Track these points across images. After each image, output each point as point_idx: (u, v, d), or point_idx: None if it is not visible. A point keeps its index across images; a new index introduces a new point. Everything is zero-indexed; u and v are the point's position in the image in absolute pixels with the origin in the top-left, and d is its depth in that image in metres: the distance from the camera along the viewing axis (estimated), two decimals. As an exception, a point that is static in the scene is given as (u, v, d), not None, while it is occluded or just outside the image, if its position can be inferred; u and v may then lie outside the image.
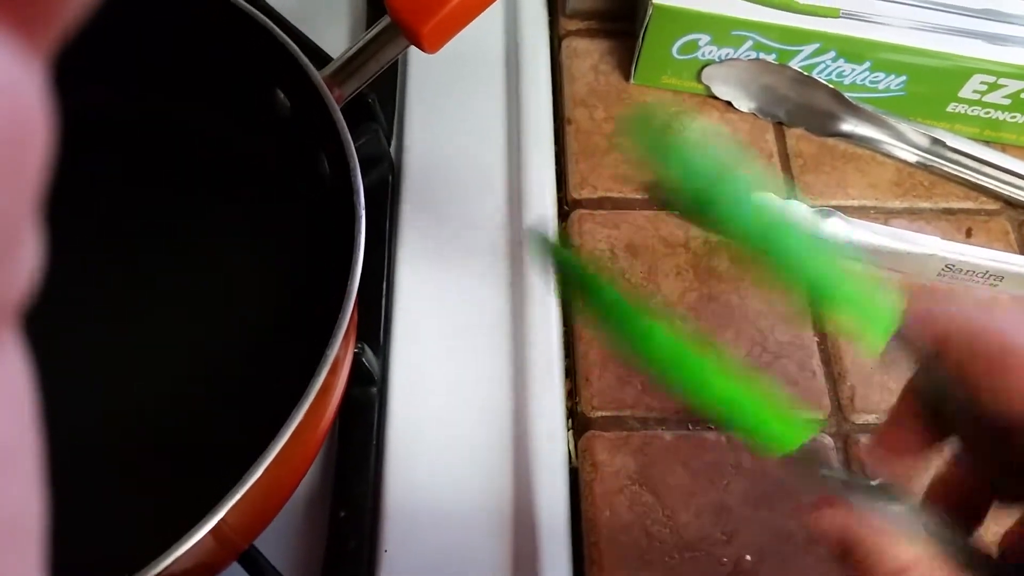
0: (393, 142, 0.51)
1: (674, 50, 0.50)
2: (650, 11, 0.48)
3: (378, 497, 0.40)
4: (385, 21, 0.39)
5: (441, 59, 0.41)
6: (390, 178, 0.49)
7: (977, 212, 0.50)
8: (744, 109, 0.52)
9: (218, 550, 0.33)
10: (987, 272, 0.45)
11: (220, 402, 0.40)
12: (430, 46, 0.39)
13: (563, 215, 0.49)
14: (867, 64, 0.49)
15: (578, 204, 0.49)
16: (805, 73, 0.49)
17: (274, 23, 0.40)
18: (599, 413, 0.43)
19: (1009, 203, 0.50)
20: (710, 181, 0.24)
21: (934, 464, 0.27)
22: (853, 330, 0.24)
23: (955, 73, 0.48)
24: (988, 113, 0.50)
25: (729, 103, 0.52)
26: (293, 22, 0.48)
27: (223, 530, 0.29)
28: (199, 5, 0.41)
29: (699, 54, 0.50)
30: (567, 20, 0.56)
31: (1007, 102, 0.49)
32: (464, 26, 0.39)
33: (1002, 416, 0.24)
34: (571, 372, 0.44)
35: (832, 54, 0.48)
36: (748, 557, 0.39)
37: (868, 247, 0.46)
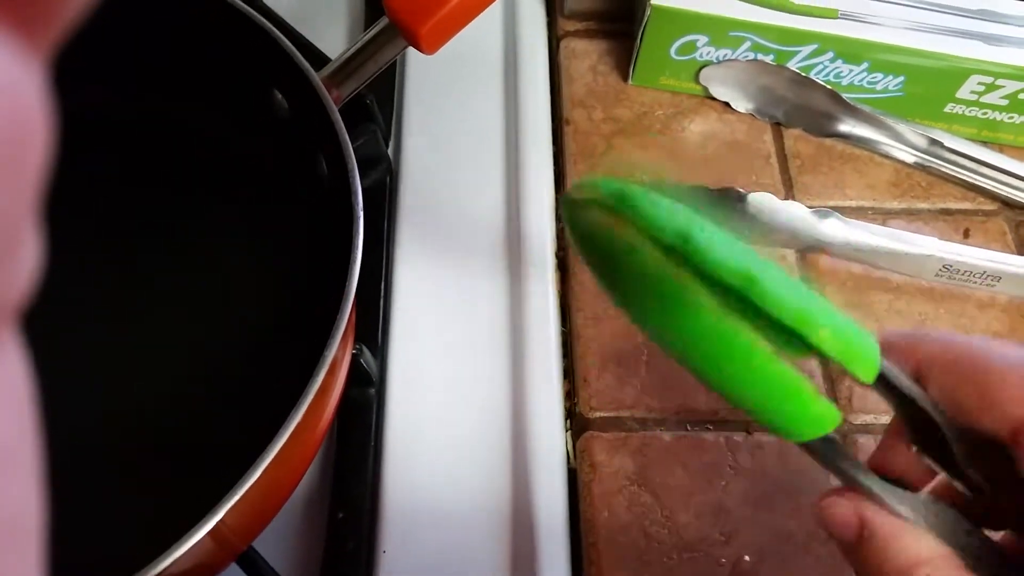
0: (391, 143, 0.51)
1: (672, 51, 0.50)
2: (648, 12, 0.48)
3: (376, 498, 0.40)
4: (383, 22, 0.39)
5: (439, 60, 0.41)
6: (388, 179, 0.49)
7: (975, 212, 0.50)
8: (742, 110, 0.52)
9: (217, 551, 0.33)
10: (984, 272, 0.45)
11: (219, 402, 0.40)
12: (428, 47, 0.39)
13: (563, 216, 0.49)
14: (865, 65, 0.49)
15: (576, 205, 0.49)
16: (803, 74, 0.49)
17: (272, 24, 0.40)
18: (597, 414, 0.43)
19: (1007, 203, 0.50)
20: (685, 236, 0.22)
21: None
22: (840, 363, 0.23)
23: (952, 74, 0.48)
24: (986, 114, 0.50)
25: (727, 104, 0.52)
26: (291, 23, 0.48)
27: (222, 531, 0.29)
28: (197, 6, 0.41)
29: (697, 55, 0.50)
30: (565, 21, 0.56)
31: (1004, 103, 0.49)
32: (462, 27, 0.39)
33: (990, 434, 0.24)
34: (569, 373, 0.44)
35: (830, 55, 0.49)
36: (747, 557, 0.39)
37: (866, 248, 0.46)
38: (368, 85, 0.41)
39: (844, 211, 0.47)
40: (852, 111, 0.50)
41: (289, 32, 0.46)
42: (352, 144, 0.37)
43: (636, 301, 0.23)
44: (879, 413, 0.43)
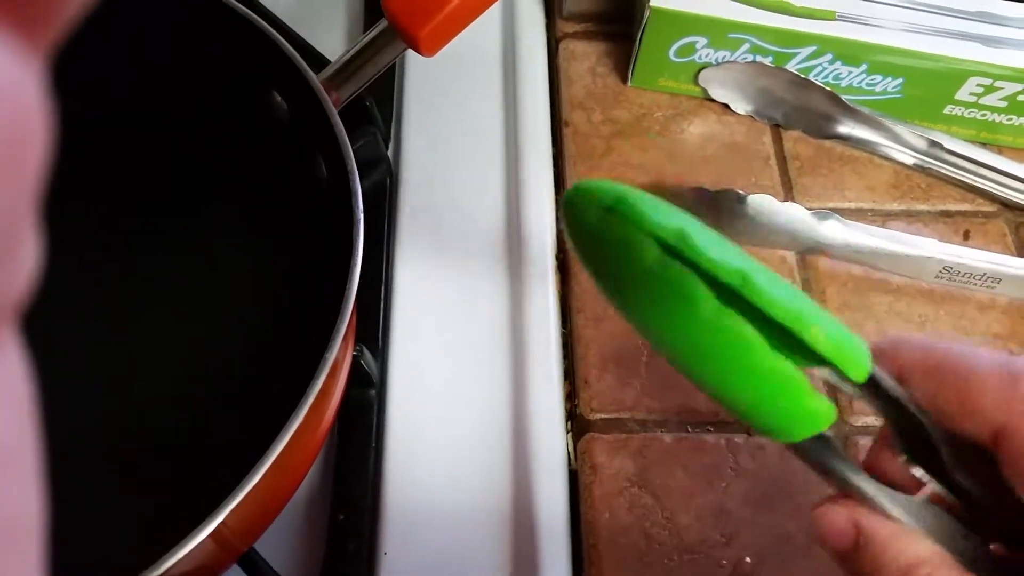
0: (391, 145, 0.51)
1: (671, 53, 0.50)
2: (647, 14, 0.48)
3: (377, 499, 0.40)
4: (382, 24, 0.39)
5: (439, 62, 0.41)
6: (388, 181, 0.49)
7: (974, 214, 0.50)
8: (741, 111, 0.52)
9: (218, 553, 0.33)
10: (984, 274, 0.45)
11: (220, 402, 0.40)
12: (427, 49, 0.39)
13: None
14: (864, 67, 0.49)
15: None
16: (802, 76, 0.49)
17: (271, 26, 0.40)
18: (598, 415, 0.43)
19: (1006, 205, 0.50)
20: (680, 238, 0.23)
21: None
22: (832, 362, 0.23)
23: (951, 75, 0.48)
24: (985, 115, 0.50)
25: (726, 105, 0.52)
26: (290, 25, 0.48)
27: (223, 533, 0.29)
28: (197, 6, 0.41)
29: (696, 57, 0.50)
30: (564, 22, 0.56)
31: (1003, 104, 0.49)
32: (461, 29, 0.39)
33: (973, 439, 0.24)
34: (570, 374, 0.44)
35: (829, 57, 0.49)
36: (747, 559, 0.39)
37: (866, 249, 0.46)
38: (367, 87, 0.41)
39: (844, 213, 0.47)
40: (851, 113, 0.50)
41: (288, 34, 0.46)
42: (352, 146, 0.37)
43: (634, 298, 0.24)
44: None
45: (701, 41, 0.49)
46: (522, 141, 0.51)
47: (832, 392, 0.43)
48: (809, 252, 0.47)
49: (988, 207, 0.50)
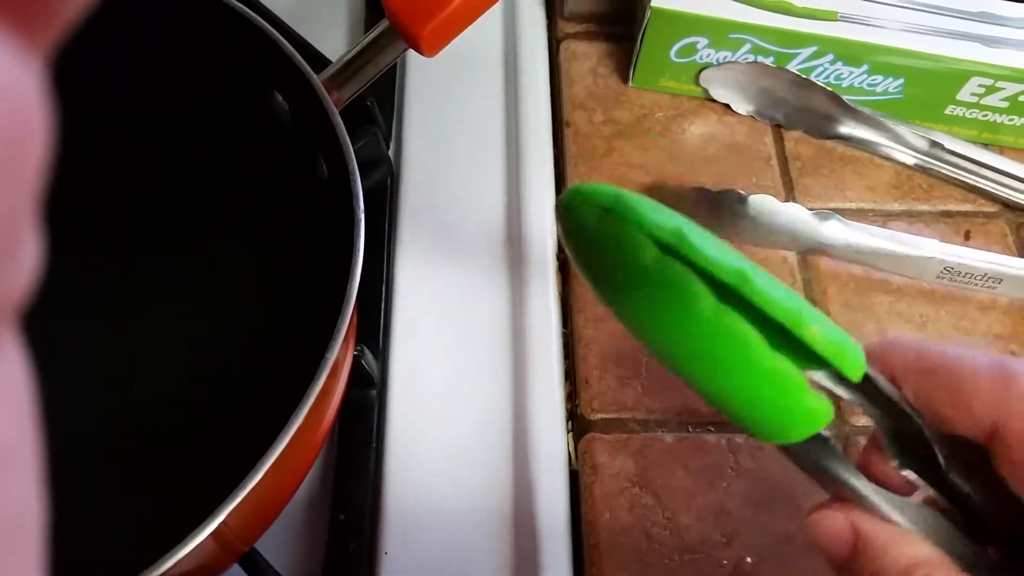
0: (392, 145, 0.51)
1: (672, 53, 0.50)
2: (648, 14, 0.48)
3: (378, 499, 0.40)
4: (383, 24, 0.39)
5: (440, 62, 0.41)
6: (389, 181, 0.49)
7: (975, 215, 0.50)
8: (742, 112, 0.52)
9: (219, 553, 0.33)
10: (985, 275, 0.45)
11: (219, 402, 0.40)
12: (429, 49, 0.38)
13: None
14: (865, 67, 0.49)
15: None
16: (803, 76, 0.49)
17: (272, 26, 0.40)
18: (599, 415, 0.43)
19: (1007, 205, 0.50)
20: (676, 239, 0.23)
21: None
22: (828, 360, 0.23)
23: (952, 76, 0.48)
24: (986, 116, 0.50)
25: (728, 106, 0.52)
26: (291, 24, 0.48)
27: (224, 533, 0.29)
28: (197, 6, 0.41)
29: (697, 57, 0.50)
30: (565, 23, 0.56)
31: (1005, 105, 0.49)
32: (463, 29, 0.39)
33: (965, 438, 0.24)
34: (571, 374, 0.44)
35: (830, 57, 0.49)
36: (748, 559, 0.39)
37: (867, 250, 0.46)
38: (369, 87, 0.41)
39: (845, 213, 0.47)
40: (852, 113, 0.50)
41: (289, 34, 0.46)
42: (353, 146, 0.37)
43: (631, 299, 0.23)
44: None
45: (702, 41, 0.49)
46: (523, 141, 0.51)
47: (831, 393, 0.43)
48: (810, 252, 0.47)
49: (989, 207, 0.50)
